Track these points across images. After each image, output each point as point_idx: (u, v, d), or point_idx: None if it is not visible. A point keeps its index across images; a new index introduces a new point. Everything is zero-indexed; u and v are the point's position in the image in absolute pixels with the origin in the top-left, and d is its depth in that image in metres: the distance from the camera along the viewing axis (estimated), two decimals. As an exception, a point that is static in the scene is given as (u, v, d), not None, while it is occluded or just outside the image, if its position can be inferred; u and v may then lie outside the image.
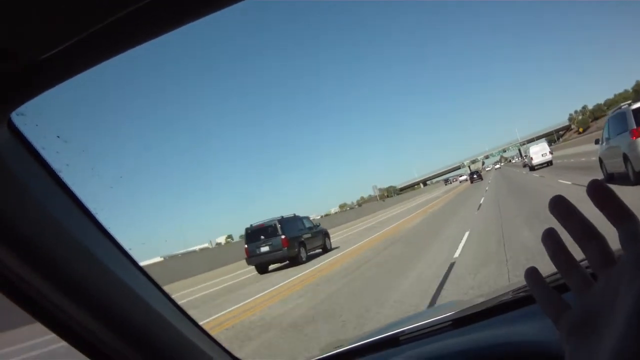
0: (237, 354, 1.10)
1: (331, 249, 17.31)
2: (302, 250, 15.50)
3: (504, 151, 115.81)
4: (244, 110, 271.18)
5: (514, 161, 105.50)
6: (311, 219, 18.56)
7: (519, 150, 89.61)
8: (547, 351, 0.85)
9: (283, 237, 14.78)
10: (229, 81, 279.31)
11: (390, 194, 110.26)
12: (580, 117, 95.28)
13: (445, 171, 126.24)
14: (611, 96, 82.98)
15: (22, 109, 0.58)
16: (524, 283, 1.15)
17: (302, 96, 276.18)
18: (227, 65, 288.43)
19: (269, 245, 14.93)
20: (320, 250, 16.94)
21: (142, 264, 0.84)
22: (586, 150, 30.62)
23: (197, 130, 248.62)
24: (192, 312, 0.96)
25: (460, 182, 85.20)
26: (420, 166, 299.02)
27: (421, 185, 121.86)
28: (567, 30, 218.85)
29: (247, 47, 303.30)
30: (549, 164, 32.38)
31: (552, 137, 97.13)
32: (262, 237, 15.10)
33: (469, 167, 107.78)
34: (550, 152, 33.22)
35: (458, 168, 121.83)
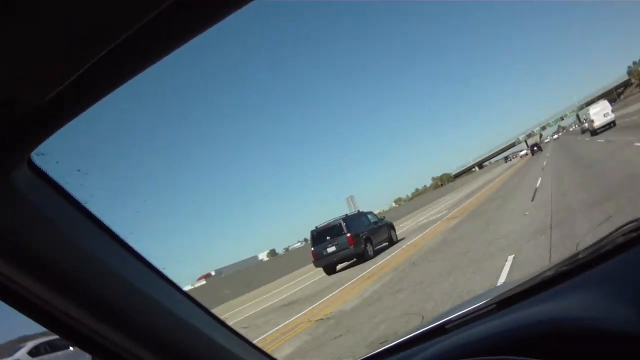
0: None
1: (397, 241, 17.24)
2: (369, 245, 15.41)
3: (562, 119, 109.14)
4: (285, 117, 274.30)
5: (571, 129, 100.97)
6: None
7: (577, 115, 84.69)
8: (587, 326, 0.84)
9: (349, 235, 14.77)
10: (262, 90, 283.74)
11: (444, 182, 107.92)
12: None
13: (500, 150, 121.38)
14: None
15: (40, 148, 0.59)
16: (566, 257, 1.15)
17: (356, 90, 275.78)
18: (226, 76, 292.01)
19: (335, 245, 14.97)
20: (387, 243, 16.89)
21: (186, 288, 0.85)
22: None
23: (228, 142, 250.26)
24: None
25: (521, 157, 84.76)
26: (474, 150, 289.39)
27: (476, 168, 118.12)
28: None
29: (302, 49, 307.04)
30: (611, 125, 28.32)
31: (612, 96, 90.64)
32: (328, 237, 15.16)
33: (526, 142, 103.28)
34: (612, 111, 28.92)
35: (513, 145, 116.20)
